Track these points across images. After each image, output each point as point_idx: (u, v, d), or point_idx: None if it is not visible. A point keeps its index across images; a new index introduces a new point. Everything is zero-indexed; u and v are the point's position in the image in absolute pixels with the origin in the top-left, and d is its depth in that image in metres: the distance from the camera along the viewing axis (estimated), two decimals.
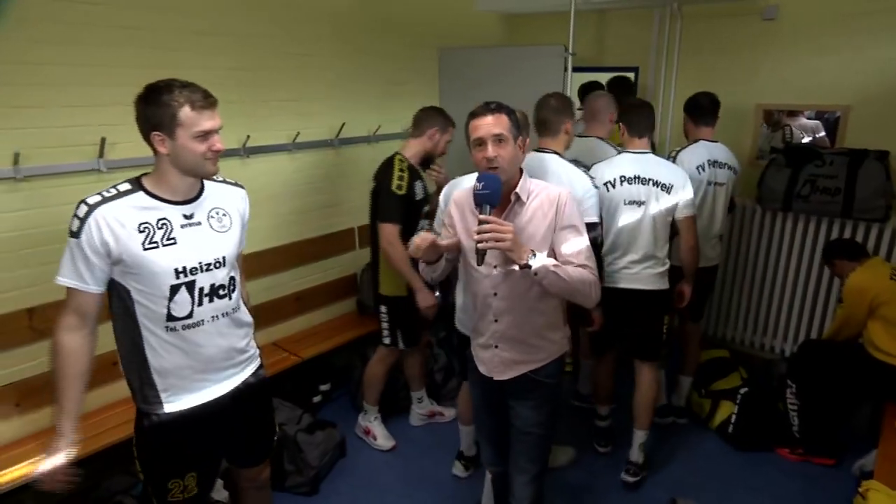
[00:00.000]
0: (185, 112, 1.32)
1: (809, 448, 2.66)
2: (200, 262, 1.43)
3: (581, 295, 1.50)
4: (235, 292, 1.54)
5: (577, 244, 1.53)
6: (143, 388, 1.46)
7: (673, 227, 2.37)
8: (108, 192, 1.36)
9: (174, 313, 1.41)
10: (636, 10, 3.58)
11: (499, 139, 1.46)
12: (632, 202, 2.31)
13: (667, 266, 2.37)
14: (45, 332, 2.11)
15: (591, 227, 2.10)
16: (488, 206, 1.43)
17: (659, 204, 2.30)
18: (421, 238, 1.53)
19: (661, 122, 3.38)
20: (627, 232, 2.32)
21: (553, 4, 3.22)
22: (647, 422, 2.50)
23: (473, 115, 1.51)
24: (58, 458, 1.37)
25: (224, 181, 1.56)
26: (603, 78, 3.54)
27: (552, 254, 1.53)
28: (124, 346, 1.44)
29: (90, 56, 2.11)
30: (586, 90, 3.34)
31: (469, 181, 1.84)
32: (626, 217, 2.32)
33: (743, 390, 2.84)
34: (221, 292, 1.48)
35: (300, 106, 2.84)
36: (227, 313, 1.51)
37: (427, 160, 2.49)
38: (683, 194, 2.31)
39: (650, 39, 3.60)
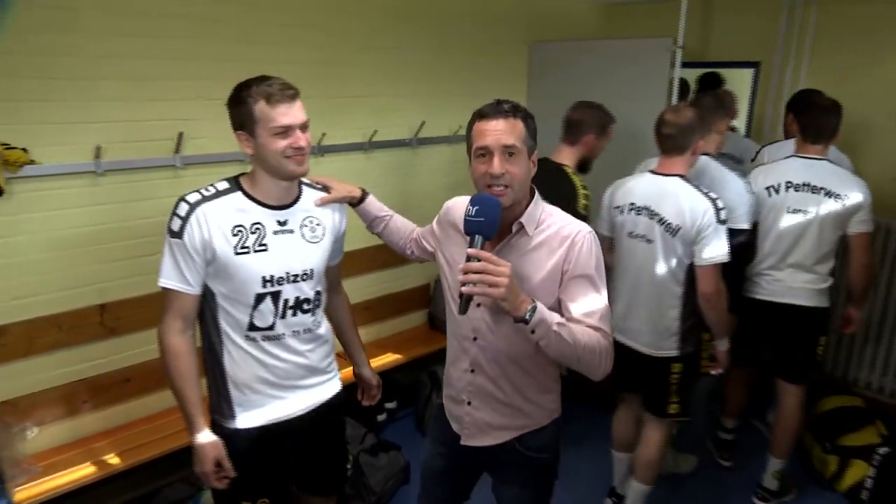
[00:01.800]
0: (261, 107, 1.30)
1: None
2: (288, 273, 1.41)
3: (586, 365, 1.22)
4: (320, 309, 1.52)
5: (591, 301, 1.24)
6: (219, 398, 1.47)
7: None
8: (208, 190, 1.38)
9: (256, 322, 1.40)
10: None
11: (510, 152, 1.22)
12: (796, 210, 2.21)
13: (829, 283, 2.26)
14: (116, 330, 2.17)
15: (737, 232, 2.03)
16: (481, 238, 1.17)
17: (829, 216, 2.18)
18: None
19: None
20: (788, 242, 2.23)
21: None
22: (785, 451, 2.39)
23: (481, 114, 1.26)
24: (207, 456, 1.40)
25: (324, 188, 1.55)
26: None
27: (556, 307, 1.26)
28: (205, 352, 1.46)
29: (171, 49, 2.13)
30: (706, 84, 3.11)
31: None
32: (789, 226, 2.23)
33: (882, 450, 2.46)
34: (306, 306, 1.46)
35: (378, 102, 2.78)
36: (309, 329, 1.49)
37: (583, 166, 2.27)
38: (859, 208, 2.16)
39: (776, 29, 3.24)
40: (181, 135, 2.17)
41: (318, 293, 1.49)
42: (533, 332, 1.16)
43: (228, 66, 2.20)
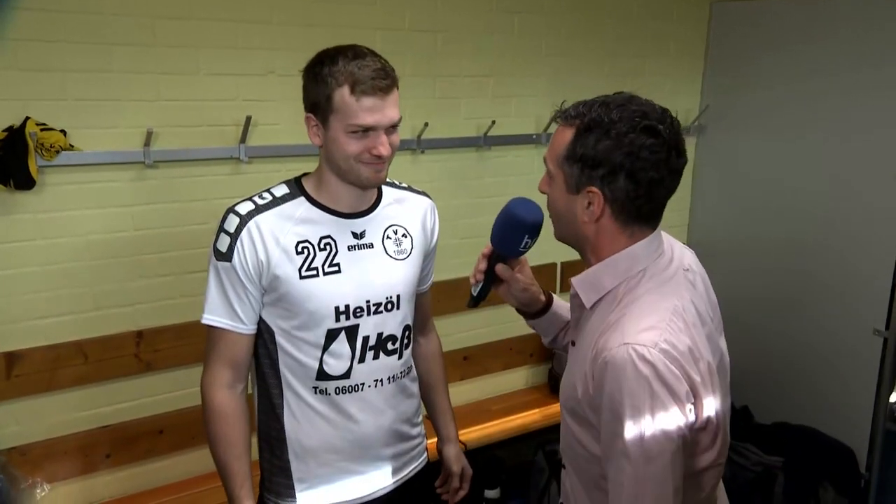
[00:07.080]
0: (342, 95, 1.20)
1: None
2: (368, 301, 1.33)
3: None
4: (409, 350, 1.44)
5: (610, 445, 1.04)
6: (275, 471, 1.39)
7: None
8: (262, 197, 1.32)
9: (327, 370, 1.33)
10: None
11: (547, 169, 1.14)
12: None
13: None
14: (153, 364, 2.07)
15: None
16: (497, 266, 1.23)
17: None
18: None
19: None
20: None
21: None
22: None
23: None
24: None
25: (408, 188, 1.47)
26: None
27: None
28: (259, 409, 1.40)
29: (238, 7, 2.02)
30: None
31: None
32: None
33: None
34: (391, 346, 1.38)
35: (498, 85, 2.56)
36: (394, 377, 1.40)
37: None
38: None
39: None
40: (249, 119, 2.05)
41: (406, 329, 1.41)
42: None
43: (309, 33, 2.15)
